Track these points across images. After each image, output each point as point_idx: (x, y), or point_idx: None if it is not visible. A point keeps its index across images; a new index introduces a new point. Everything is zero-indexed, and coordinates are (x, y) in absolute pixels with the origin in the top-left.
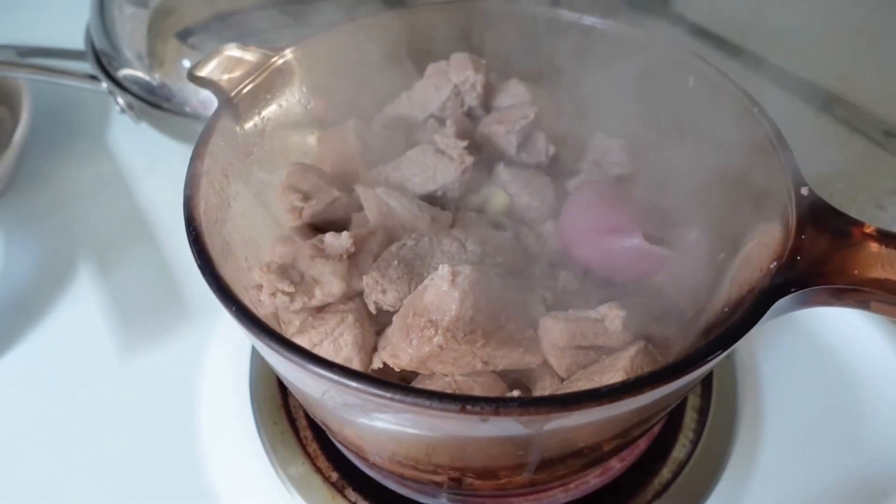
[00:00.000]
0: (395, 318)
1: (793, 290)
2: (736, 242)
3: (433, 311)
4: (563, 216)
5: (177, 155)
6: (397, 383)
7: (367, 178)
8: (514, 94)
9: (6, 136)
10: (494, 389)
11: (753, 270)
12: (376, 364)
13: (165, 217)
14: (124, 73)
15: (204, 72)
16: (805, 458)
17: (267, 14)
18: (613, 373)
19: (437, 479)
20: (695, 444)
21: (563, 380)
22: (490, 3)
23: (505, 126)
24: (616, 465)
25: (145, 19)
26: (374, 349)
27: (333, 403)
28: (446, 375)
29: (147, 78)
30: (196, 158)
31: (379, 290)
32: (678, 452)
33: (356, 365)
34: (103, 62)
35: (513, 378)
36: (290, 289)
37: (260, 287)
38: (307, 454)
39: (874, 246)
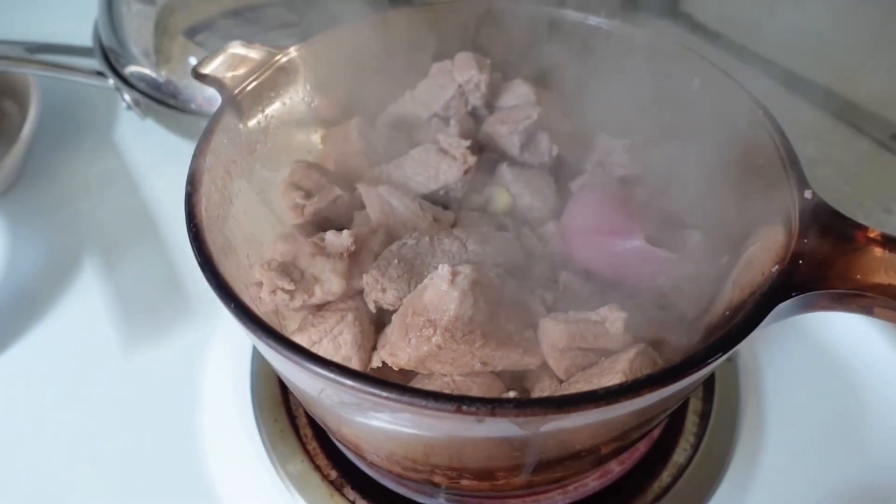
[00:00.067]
0: (394, 317)
1: (794, 294)
2: (739, 245)
3: (432, 310)
4: (565, 217)
5: (182, 152)
6: (392, 382)
7: (369, 176)
8: (518, 94)
9: (14, 132)
10: (493, 390)
11: (755, 273)
12: (375, 363)
13: (171, 213)
14: (131, 69)
15: (208, 69)
16: (807, 463)
17: (274, 12)
18: (612, 375)
19: (435, 479)
20: (696, 447)
21: (562, 381)
22: (495, 3)
23: (508, 126)
24: (615, 468)
25: (153, 16)
26: (374, 348)
27: (330, 402)
28: (445, 375)
29: (154, 75)
30: (198, 155)
31: (379, 289)
32: (678, 456)
33: (355, 363)
34: (111, 59)
35: (512, 379)
36: (290, 286)
37: (260, 284)
38: (306, 452)
39: (878, 251)
